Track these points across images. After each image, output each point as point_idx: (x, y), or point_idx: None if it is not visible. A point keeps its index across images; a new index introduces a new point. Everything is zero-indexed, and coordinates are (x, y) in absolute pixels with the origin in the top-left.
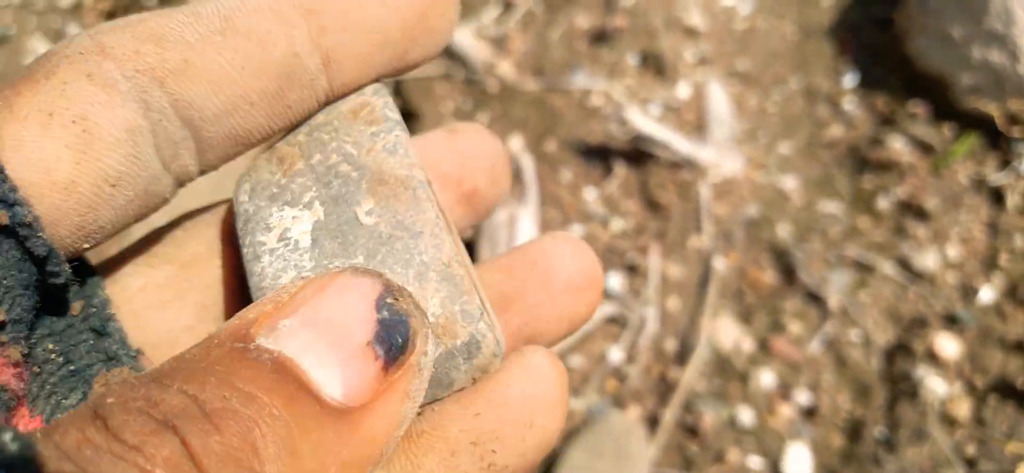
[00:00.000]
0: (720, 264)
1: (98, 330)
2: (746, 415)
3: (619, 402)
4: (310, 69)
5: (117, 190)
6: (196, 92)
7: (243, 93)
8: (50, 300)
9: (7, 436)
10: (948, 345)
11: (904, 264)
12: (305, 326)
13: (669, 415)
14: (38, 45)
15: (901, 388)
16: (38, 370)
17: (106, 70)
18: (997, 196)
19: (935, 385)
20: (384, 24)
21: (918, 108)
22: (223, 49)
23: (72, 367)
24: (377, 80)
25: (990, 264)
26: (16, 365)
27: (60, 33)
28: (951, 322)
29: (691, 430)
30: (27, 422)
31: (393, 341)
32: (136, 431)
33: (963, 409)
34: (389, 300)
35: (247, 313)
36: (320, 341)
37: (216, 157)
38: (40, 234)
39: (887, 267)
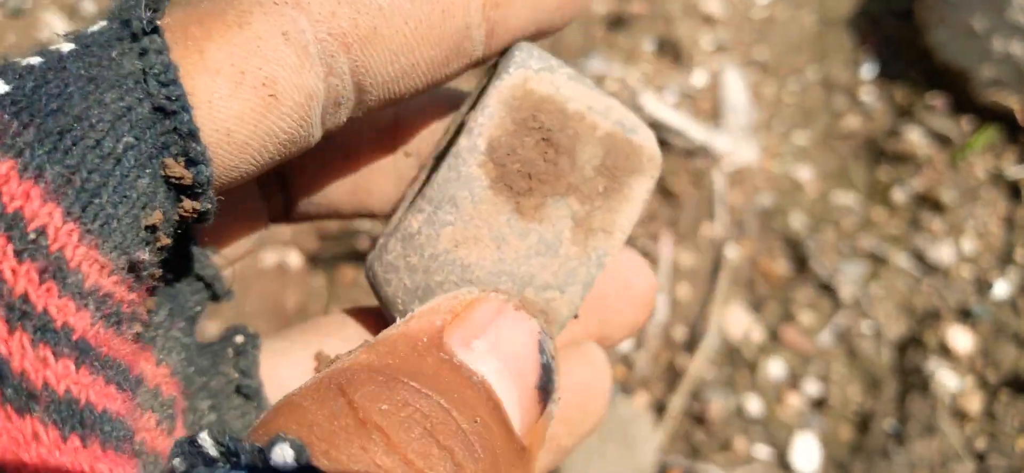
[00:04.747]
0: (732, 253)
1: (246, 394)
2: (754, 404)
3: (627, 388)
4: (474, 40)
5: (283, 149)
6: (376, 60)
7: (416, 62)
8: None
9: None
10: (961, 339)
11: (918, 256)
12: (492, 353)
13: (677, 402)
14: (53, 19)
15: (912, 381)
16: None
17: (301, 28)
18: (1015, 191)
19: (947, 379)
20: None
21: (937, 100)
22: (409, 17)
23: (213, 408)
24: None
25: (1006, 259)
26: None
27: (74, 8)
28: (965, 316)
29: (698, 418)
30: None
31: (549, 389)
32: (384, 414)
33: (974, 403)
34: (545, 343)
35: (431, 316)
36: (505, 374)
37: (365, 114)
38: (210, 194)
39: (901, 259)
